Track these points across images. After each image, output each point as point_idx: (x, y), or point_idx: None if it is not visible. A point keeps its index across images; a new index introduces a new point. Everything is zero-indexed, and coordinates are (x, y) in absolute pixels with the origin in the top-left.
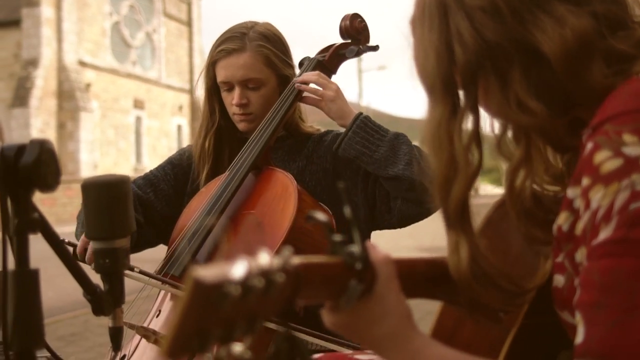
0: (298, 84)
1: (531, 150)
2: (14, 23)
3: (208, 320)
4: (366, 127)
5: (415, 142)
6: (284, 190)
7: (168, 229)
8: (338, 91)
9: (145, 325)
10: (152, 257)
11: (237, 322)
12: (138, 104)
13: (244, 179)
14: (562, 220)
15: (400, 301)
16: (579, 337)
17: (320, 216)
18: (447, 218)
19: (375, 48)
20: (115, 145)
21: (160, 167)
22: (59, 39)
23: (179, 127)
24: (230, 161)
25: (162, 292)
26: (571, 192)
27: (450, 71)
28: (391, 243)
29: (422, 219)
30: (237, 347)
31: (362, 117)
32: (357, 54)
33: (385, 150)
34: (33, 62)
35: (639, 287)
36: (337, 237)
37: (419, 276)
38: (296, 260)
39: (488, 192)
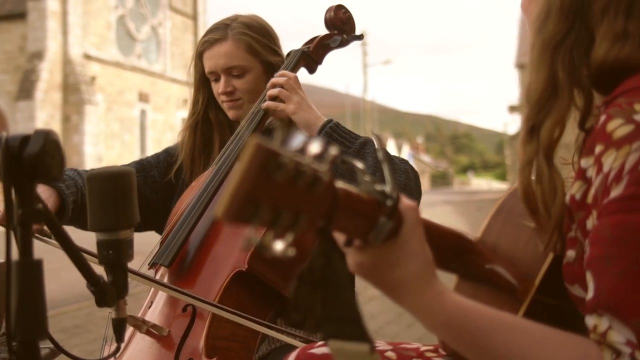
0: (263, 105)
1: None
2: (20, 16)
3: (262, 189)
4: (331, 138)
5: (419, 137)
6: None
7: (153, 215)
8: (301, 103)
9: (137, 315)
10: (140, 249)
11: (283, 209)
12: (143, 97)
13: (231, 170)
14: (576, 189)
15: (423, 247)
16: (590, 294)
17: (358, 163)
18: (545, 140)
19: (360, 37)
20: (120, 139)
21: (156, 155)
22: (65, 32)
23: (184, 121)
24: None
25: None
26: (584, 161)
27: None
28: None
29: None
30: (279, 246)
31: (328, 126)
32: (342, 43)
33: None
34: (38, 55)
35: None
36: (369, 177)
37: (437, 241)
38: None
39: (493, 187)
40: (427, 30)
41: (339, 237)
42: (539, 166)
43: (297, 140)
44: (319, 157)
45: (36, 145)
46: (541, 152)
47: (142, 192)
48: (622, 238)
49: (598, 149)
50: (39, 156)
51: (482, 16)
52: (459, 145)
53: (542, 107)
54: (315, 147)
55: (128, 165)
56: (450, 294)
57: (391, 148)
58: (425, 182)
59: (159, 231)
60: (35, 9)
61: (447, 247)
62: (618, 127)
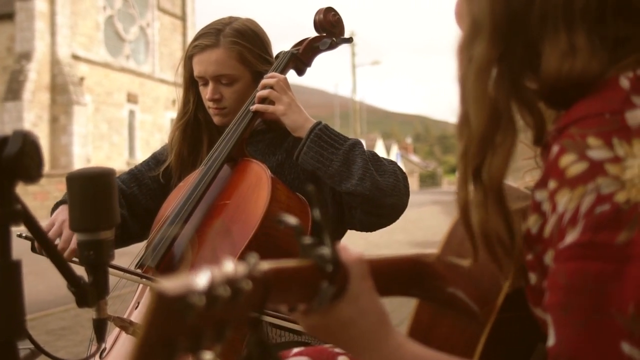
0: (252, 108)
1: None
2: (8, 16)
3: (174, 331)
4: (320, 140)
5: (408, 138)
6: (257, 180)
7: (152, 223)
8: (290, 104)
9: (123, 317)
10: (127, 250)
11: (204, 331)
12: (131, 98)
13: (219, 171)
14: (532, 222)
15: (374, 301)
16: (551, 340)
17: (291, 219)
18: (493, 184)
19: (349, 40)
20: (109, 139)
21: (145, 162)
22: (53, 33)
23: (173, 121)
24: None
25: (141, 285)
26: (539, 194)
27: (504, 13)
28: (384, 237)
29: (382, 227)
30: (207, 356)
31: (317, 129)
32: (331, 46)
33: (338, 165)
34: (26, 56)
35: (605, 289)
36: (307, 240)
37: (392, 274)
38: (264, 266)
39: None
40: (416, 31)
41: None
42: (489, 208)
43: (204, 272)
44: (236, 271)
45: (14, 146)
46: (490, 193)
47: (139, 202)
48: (579, 286)
49: (551, 185)
50: (18, 157)
51: None
52: (447, 145)
53: (488, 143)
54: (228, 266)
55: (120, 176)
56: (409, 345)
57: (380, 148)
58: (414, 182)
59: None
60: (23, 10)
61: (404, 276)
62: (571, 164)
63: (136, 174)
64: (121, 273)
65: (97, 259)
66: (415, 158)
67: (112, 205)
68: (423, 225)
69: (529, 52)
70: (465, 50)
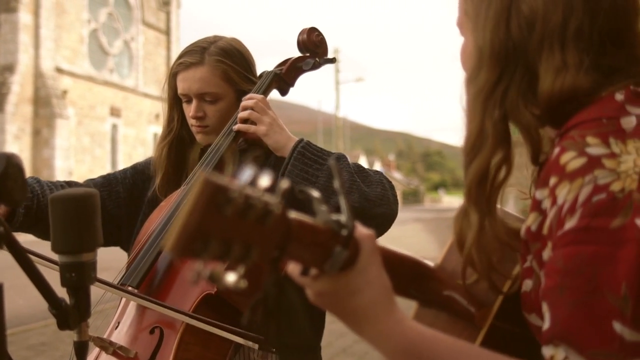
0: (234, 127)
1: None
2: None
3: (210, 224)
4: (304, 157)
5: (391, 155)
6: None
7: (117, 231)
8: (272, 124)
9: (103, 337)
10: (110, 265)
11: (234, 242)
12: (114, 112)
13: None
14: (531, 220)
15: (381, 274)
16: (546, 324)
17: (310, 190)
18: (466, 185)
19: (332, 60)
20: (91, 153)
21: (123, 170)
22: (36, 45)
23: (156, 136)
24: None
25: (121, 305)
26: (539, 193)
27: (504, 42)
28: None
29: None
30: (231, 276)
31: (299, 147)
32: (314, 66)
33: (324, 180)
34: (9, 68)
35: (600, 272)
36: (325, 207)
37: (395, 268)
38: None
39: None
40: (400, 48)
41: (295, 267)
42: (468, 212)
43: (247, 173)
44: (270, 189)
45: None
46: (466, 197)
47: (106, 207)
48: (575, 269)
49: (552, 181)
50: (1, 180)
51: (455, 34)
52: (430, 162)
53: (473, 156)
54: (265, 181)
55: (94, 179)
56: (410, 321)
57: (363, 165)
58: None
59: (122, 246)
60: (7, 22)
61: (405, 273)
62: (571, 160)
63: (110, 180)
64: (106, 287)
65: (79, 281)
66: (398, 175)
67: (95, 227)
68: (406, 243)
69: (528, 76)
70: (470, 79)
